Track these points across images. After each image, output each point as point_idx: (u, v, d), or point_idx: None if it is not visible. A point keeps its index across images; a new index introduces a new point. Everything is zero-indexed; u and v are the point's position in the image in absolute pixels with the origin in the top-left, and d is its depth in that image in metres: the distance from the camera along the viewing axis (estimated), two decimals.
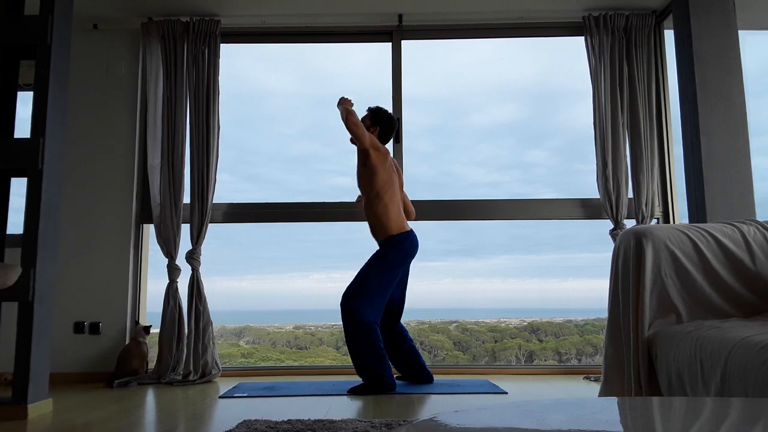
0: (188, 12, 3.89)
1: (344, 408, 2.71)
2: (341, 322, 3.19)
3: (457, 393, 3.07)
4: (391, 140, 3.57)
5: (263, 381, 3.53)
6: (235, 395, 3.00)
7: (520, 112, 4.93)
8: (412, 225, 3.44)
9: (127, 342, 3.67)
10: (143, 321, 3.85)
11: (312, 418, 2.34)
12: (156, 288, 3.83)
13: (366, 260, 3.27)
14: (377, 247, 3.33)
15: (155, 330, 3.74)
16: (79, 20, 3.64)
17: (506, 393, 3.07)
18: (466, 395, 3.03)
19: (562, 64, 4.42)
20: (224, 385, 3.40)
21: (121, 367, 3.48)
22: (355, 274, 3.25)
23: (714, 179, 3.20)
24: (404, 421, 2.34)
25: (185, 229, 3.77)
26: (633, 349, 1.82)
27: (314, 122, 4.53)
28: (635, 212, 3.73)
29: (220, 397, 2.97)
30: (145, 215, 3.88)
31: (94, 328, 3.71)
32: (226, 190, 3.96)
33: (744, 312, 1.86)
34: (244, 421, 2.30)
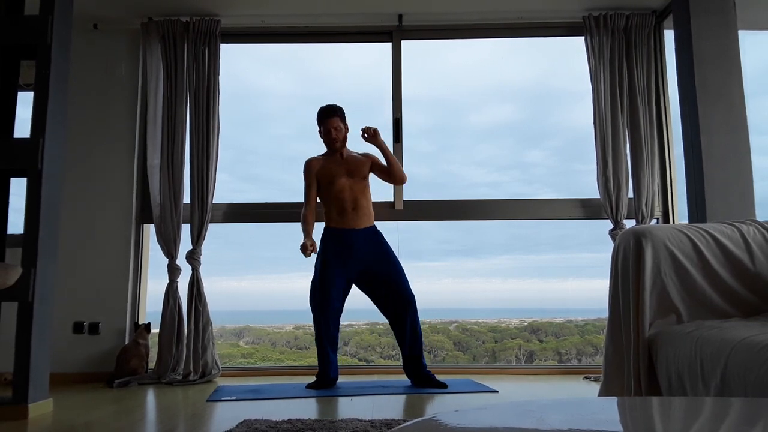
0: (188, 12, 3.89)
1: (344, 408, 2.71)
2: (411, 317, 3.31)
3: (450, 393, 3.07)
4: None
5: (249, 383, 3.53)
6: (222, 398, 2.97)
7: (519, 112, 4.93)
8: (408, 224, 3.47)
9: (127, 342, 3.67)
10: (142, 320, 3.85)
11: (312, 418, 2.34)
12: (156, 288, 3.83)
13: (389, 256, 3.37)
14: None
15: (155, 330, 3.74)
16: (79, 20, 3.64)
17: (497, 392, 3.09)
18: (464, 395, 3.03)
19: (562, 65, 4.42)
20: (223, 386, 3.39)
21: (120, 367, 3.48)
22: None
23: (714, 179, 3.20)
24: (404, 420, 2.34)
25: (185, 229, 3.77)
26: (633, 349, 1.82)
27: (312, 122, 4.52)
28: (635, 212, 3.73)
29: (207, 401, 2.93)
30: (145, 215, 3.88)
31: (94, 328, 3.70)
32: (224, 190, 3.96)
33: (744, 312, 1.86)
34: (244, 420, 2.30)
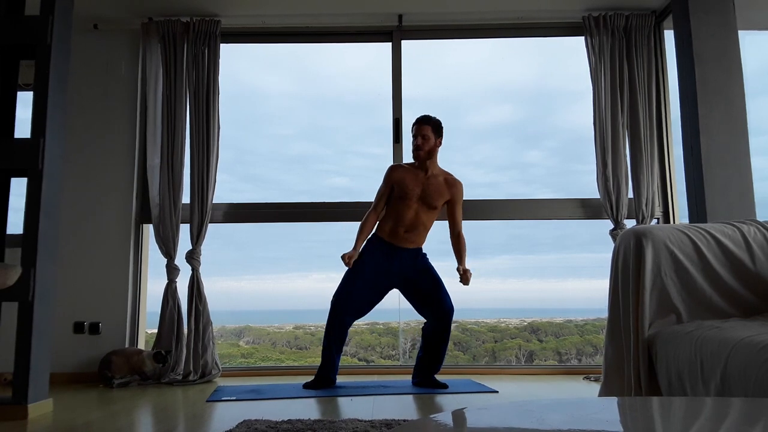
0: (188, 12, 3.89)
1: (344, 408, 2.71)
2: (447, 328, 3.30)
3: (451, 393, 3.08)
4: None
5: (249, 383, 3.53)
6: (222, 398, 2.97)
7: (517, 113, 4.93)
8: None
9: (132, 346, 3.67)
10: (142, 322, 3.85)
11: (312, 418, 2.34)
12: (156, 288, 3.83)
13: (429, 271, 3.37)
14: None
15: (153, 330, 3.74)
16: (79, 20, 3.64)
17: (497, 392, 3.09)
18: (464, 395, 3.04)
19: (561, 65, 4.42)
20: (223, 386, 3.39)
21: (103, 359, 3.47)
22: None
23: (714, 179, 3.20)
24: (404, 421, 2.34)
25: (185, 229, 3.77)
26: (633, 349, 1.82)
27: (312, 123, 4.50)
28: (635, 212, 3.73)
29: (207, 401, 2.93)
30: (144, 215, 3.88)
31: (94, 328, 3.70)
32: (224, 190, 3.96)
33: (744, 312, 1.86)
34: (244, 420, 2.30)
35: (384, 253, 3.33)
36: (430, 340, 3.33)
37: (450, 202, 3.40)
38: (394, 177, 3.36)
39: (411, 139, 3.36)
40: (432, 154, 3.34)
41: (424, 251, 3.42)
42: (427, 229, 3.40)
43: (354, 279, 3.29)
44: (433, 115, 3.38)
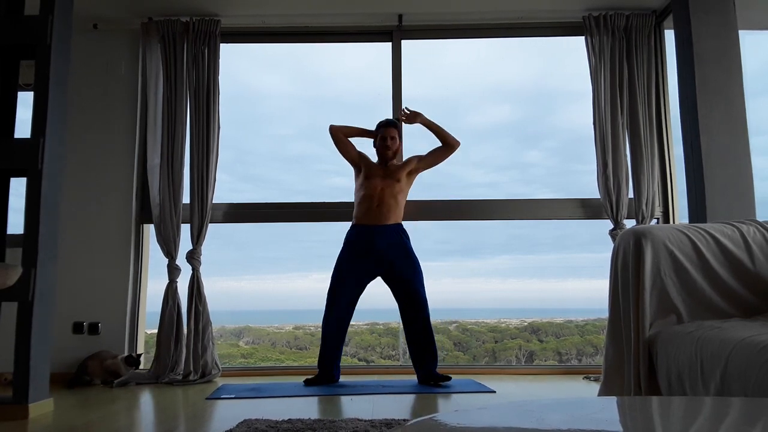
0: (188, 12, 3.89)
1: (344, 407, 2.71)
2: (426, 317, 3.38)
3: (451, 392, 3.08)
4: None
5: (250, 382, 3.53)
6: (222, 396, 2.98)
7: (517, 113, 4.93)
8: (407, 224, 3.50)
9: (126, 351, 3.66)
10: (142, 323, 3.84)
11: (312, 418, 2.34)
12: (156, 288, 3.83)
13: (410, 256, 3.43)
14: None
15: (153, 330, 3.74)
16: (79, 20, 3.64)
17: (494, 392, 3.09)
18: (464, 395, 3.04)
19: (561, 65, 4.42)
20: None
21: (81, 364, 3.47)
22: None
23: (714, 179, 3.20)
24: (404, 421, 2.34)
25: (185, 229, 3.77)
26: (633, 350, 1.82)
27: (311, 123, 4.51)
28: (635, 212, 3.73)
29: (206, 399, 2.94)
30: (145, 215, 3.88)
31: (94, 328, 3.70)
32: (224, 190, 3.97)
33: (744, 312, 1.86)
34: (245, 420, 2.30)
35: (363, 237, 3.42)
36: (413, 334, 3.38)
37: (420, 160, 3.60)
38: (363, 157, 3.62)
39: (379, 138, 3.59)
40: (397, 153, 3.62)
41: (404, 228, 3.50)
42: (399, 204, 3.50)
43: (335, 282, 3.40)
44: (437, 115, 3.65)
